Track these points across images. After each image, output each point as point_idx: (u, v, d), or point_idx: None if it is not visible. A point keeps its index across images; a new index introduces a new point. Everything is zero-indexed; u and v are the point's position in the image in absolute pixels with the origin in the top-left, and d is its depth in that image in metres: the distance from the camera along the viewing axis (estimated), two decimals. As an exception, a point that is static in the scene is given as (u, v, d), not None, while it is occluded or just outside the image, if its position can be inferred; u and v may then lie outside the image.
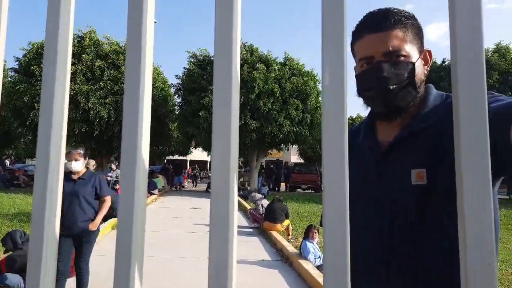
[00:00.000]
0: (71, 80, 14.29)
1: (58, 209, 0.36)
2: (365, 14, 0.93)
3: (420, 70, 0.90)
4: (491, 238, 0.30)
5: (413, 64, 0.87)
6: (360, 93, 0.93)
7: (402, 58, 0.87)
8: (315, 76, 17.02)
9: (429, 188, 0.85)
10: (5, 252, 4.00)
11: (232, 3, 0.35)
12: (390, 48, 0.86)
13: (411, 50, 0.88)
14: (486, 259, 0.30)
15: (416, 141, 0.89)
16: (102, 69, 14.85)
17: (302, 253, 5.22)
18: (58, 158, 0.37)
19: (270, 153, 21.76)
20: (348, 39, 0.34)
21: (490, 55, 17.46)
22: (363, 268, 0.92)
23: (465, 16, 0.33)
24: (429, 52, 0.94)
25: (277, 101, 15.54)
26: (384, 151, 0.94)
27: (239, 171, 24.90)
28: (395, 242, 0.89)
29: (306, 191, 19.40)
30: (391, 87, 0.86)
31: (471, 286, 0.30)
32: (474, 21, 0.32)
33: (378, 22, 0.89)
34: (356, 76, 0.94)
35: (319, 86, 17.13)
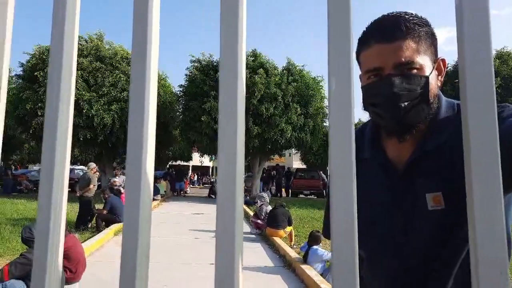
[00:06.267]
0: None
1: (63, 216, 0.36)
2: (373, 20, 0.83)
3: (434, 83, 0.82)
4: (504, 249, 0.29)
5: (427, 78, 0.79)
6: (367, 107, 0.85)
7: (415, 71, 0.78)
8: (319, 81, 16.99)
9: (447, 212, 0.79)
10: (23, 242, 3.91)
11: (237, 15, 0.35)
12: (403, 59, 0.77)
13: (424, 61, 0.79)
14: (499, 270, 0.29)
15: (429, 162, 0.82)
16: (104, 74, 14.90)
17: (310, 259, 5.12)
18: (64, 163, 0.36)
19: (272, 159, 21.63)
20: (354, 42, 0.33)
21: (492, 60, 17.51)
22: None
23: (472, 24, 0.32)
24: (443, 61, 0.86)
25: (279, 106, 15.54)
26: (400, 174, 0.86)
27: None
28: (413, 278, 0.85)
29: (308, 196, 19.31)
30: (402, 105, 0.77)
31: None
32: (482, 29, 0.32)
33: (388, 31, 0.79)
34: (362, 88, 0.85)
35: (323, 91, 17.11)
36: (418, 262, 0.84)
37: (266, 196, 9.20)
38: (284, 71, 16.41)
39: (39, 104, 13.76)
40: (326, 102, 17.33)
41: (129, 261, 0.34)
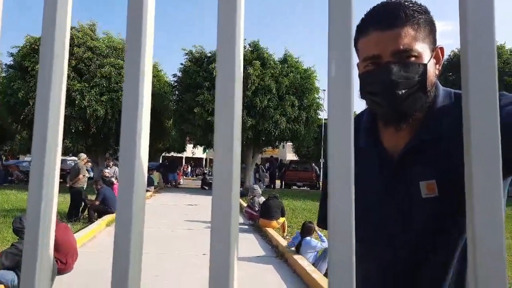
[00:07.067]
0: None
1: (54, 206, 0.35)
2: (372, 6, 0.82)
3: (432, 71, 0.81)
4: (502, 242, 0.29)
5: (425, 65, 0.78)
6: (364, 95, 0.84)
7: (413, 58, 0.78)
8: (312, 72, 16.93)
9: (441, 200, 0.79)
10: (14, 232, 3.87)
11: (235, 2, 0.34)
12: (401, 47, 0.77)
13: (423, 49, 0.79)
14: (497, 264, 0.29)
15: (425, 151, 0.82)
16: (96, 64, 14.69)
17: (302, 249, 5.14)
18: (55, 152, 0.35)
19: (265, 150, 21.54)
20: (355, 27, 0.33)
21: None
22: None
23: (476, 14, 0.32)
24: (442, 49, 0.85)
25: (274, 98, 15.51)
26: (396, 163, 0.86)
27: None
28: (406, 266, 0.85)
29: (301, 188, 19.39)
30: (400, 92, 0.76)
31: None
32: (485, 19, 0.32)
33: (387, 18, 0.78)
34: (360, 76, 0.84)
35: (317, 83, 17.08)
36: (408, 252, 0.84)
37: (257, 187, 9.27)
38: (283, 64, 16.32)
39: (31, 94, 13.56)
40: (319, 94, 17.35)
41: (122, 252, 0.33)
